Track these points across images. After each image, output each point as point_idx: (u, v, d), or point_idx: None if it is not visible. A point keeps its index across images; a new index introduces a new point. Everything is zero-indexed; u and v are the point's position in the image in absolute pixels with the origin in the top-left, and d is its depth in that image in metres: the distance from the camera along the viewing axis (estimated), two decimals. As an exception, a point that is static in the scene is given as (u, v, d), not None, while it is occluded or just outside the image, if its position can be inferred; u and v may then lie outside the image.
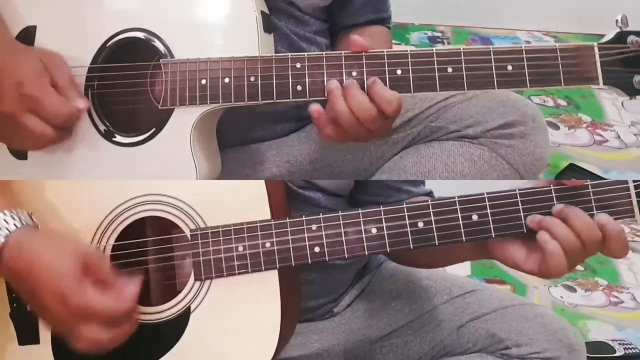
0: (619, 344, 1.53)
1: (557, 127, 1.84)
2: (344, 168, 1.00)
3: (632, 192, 0.76)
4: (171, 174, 0.84)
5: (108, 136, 0.86)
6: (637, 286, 1.70)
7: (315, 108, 0.80)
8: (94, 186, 0.84)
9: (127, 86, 0.86)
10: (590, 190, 0.76)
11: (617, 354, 1.49)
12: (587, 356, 0.97)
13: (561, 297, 1.68)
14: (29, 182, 0.84)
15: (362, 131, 0.79)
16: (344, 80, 0.80)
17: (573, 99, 1.86)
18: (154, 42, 0.85)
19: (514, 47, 0.78)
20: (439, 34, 1.99)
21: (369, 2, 1.04)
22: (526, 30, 2.05)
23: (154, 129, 0.85)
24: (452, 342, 0.99)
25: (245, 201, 0.81)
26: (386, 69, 0.79)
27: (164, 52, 0.84)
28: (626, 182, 0.76)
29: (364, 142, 0.87)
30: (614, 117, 1.84)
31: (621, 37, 0.77)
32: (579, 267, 1.75)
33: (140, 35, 0.85)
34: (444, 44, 2.14)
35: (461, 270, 1.69)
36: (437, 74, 0.79)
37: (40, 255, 0.74)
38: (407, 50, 0.79)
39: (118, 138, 0.86)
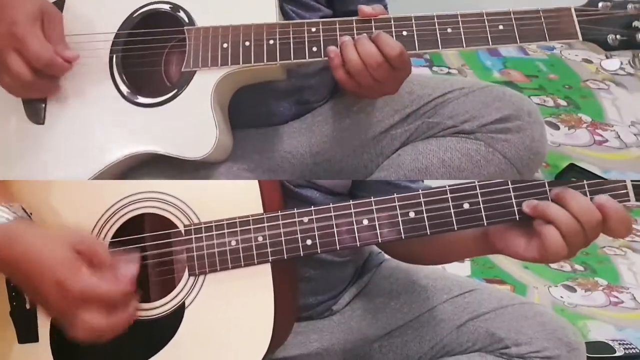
0: (619, 344, 1.52)
1: (557, 127, 1.84)
2: (343, 164, 1.00)
3: (630, 191, 0.76)
4: (192, 133, 0.87)
5: (130, 98, 0.89)
6: (637, 286, 1.70)
7: (332, 48, 0.85)
8: (91, 185, 0.84)
9: (151, 51, 0.90)
10: (587, 188, 0.76)
11: (617, 354, 1.49)
12: (587, 356, 0.97)
13: (561, 297, 1.67)
14: (26, 181, 0.85)
15: (369, 80, 0.84)
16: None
17: (573, 99, 1.86)
18: (179, 13, 0.89)
19: (503, 10, 0.86)
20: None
21: None
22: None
23: (176, 90, 0.88)
24: (452, 341, 0.99)
25: (238, 198, 0.81)
26: (393, 30, 0.86)
27: (187, 23, 0.89)
28: (624, 181, 0.76)
29: (373, 97, 0.93)
30: (614, 117, 1.84)
31: (592, 2, 0.86)
32: (579, 267, 1.75)
33: (166, 7, 0.90)
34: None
35: (461, 270, 1.69)
36: (438, 33, 0.85)
37: (34, 246, 0.74)
38: (411, 15, 0.86)
39: (140, 99, 0.89)
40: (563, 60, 2.11)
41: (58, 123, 0.89)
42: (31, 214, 0.81)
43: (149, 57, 0.91)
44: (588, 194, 0.76)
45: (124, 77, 0.90)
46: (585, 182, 0.76)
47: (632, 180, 0.76)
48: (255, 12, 0.87)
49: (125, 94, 0.89)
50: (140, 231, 0.84)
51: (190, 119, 0.87)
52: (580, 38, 0.85)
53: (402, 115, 0.98)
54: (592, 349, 1.42)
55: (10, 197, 0.81)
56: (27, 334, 0.84)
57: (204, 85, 0.87)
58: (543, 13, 0.86)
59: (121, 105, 0.89)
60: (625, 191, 0.76)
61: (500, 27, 0.85)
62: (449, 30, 0.85)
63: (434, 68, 2.08)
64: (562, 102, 1.86)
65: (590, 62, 2.11)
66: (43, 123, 0.90)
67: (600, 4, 0.86)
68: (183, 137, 0.87)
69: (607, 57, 0.86)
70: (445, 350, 1.00)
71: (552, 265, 1.74)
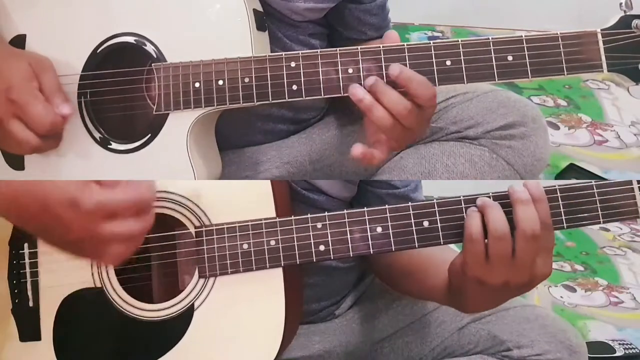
0: (619, 344, 1.53)
1: (557, 127, 1.84)
2: (344, 168, 1.00)
3: (637, 191, 0.76)
4: (169, 178, 0.83)
5: (104, 143, 0.86)
6: (637, 286, 1.70)
7: (358, 149, 0.78)
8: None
9: (120, 92, 0.85)
10: (595, 190, 0.76)
11: (617, 354, 1.49)
12: (587, 356, 0.97)
13: (561, 297, 1.68)
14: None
15: (400, 131, 0.77)
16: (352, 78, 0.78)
17: (573, 99, 1.86)
18: (145, 46, 0.84)
19: (514, 36, 0.76)
20: (439, 34, 1.98)
21: (372, 23, 1.03)
22: (526, 30, 2.05)
23: (150, 135, 0.84)
24: (453, 343, 0.99)
25: (250, 200, 0.81)
26: (383, 64, 0.78)
27: (155, 56, 0.84)
28: (630, 182, 0.76)
29: (405, 146, 0.87)
30: (614, 117, 1.84)
31: (625, 21, 0.74)
32: (579, 267, 1.75)
33: (131, 39, 0.85)
34: (443, 43, 2.13)
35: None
36: (435, 67, 0.77)
37: (40, 182, 0.70)
38: (403, 45, 0.78)
39: (114, 145, 0.86)
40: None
41: (37, 169, 0.87)
42: None
43: (118, 99, 0.86)
44: (596, 195, 0.76)
45: (96, 121, 0.86)
46: (593, 182, 0.76)
47: (638, 181, 0.76)
48: (228, 43, 0.82)
49: (97, 139, 0.86)
50: (150, 231, 0.83)
51: (167, 165, 0.84)
52: (605, 70, 0.74)
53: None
54: (592, 349, 1.41)
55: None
56: (29, 332, 0.83)
57: (178, 129, 0.83)
58: (562, 40, 0.75)
59: (96, 151, 0.85)
60: (632, 193, 0.76)
61: (510, 58, 0.75)
62: (448, 62, 0.76)
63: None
64: (562, 102, 1.85)
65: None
66: (23, 169, 0.87)
67: (635, 22, 0.73)
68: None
69: (636, 84, 0.74)
70: (446, 352, 1.00)
71: (553, 265, 1.74)
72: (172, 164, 0.84)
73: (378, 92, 0.76)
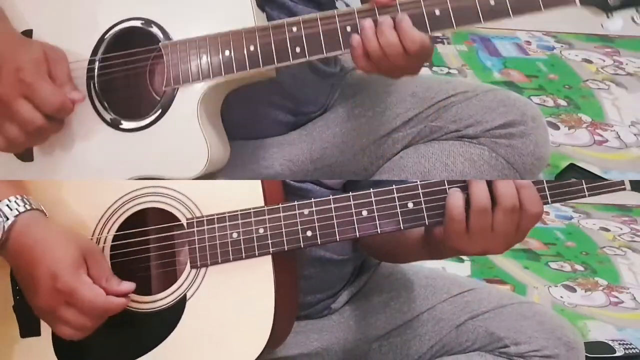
0: (619, 344, 1.52)
1: (557, 127, 1.84)
2: (344, 167, 1.00)
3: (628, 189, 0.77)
4: (182, 152, 0.85)
5: (115, 124, 0.87)
6: (637, 286, 1.70)
7: (355, 38, 0.81)
8: (97, 182, 0.85)
9: (129, 72, 0.87)
10: (584, 184, 0.78)
11: (617, 354, 1.49)
12: (587, 356, 0.97)
13: (561, 297, 1.68)
14: (30, 181, 0.85)
15: (390, 66, 0.81)
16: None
17: (573, 99, 1.87)
18: (152, 28, 0.86)
19: None
20: (439, 34, 1.99)
21: None
22: (526, 30, 2.06)
23: (160, 111, 0.86)
24: (451, 340, 0.99)
25: (241, 195, 0.82)
26: (378, 19, 0.81)
27: (162, 38, 0.85)
28: (622, 181, 0.78)
29: (394, 78, 0.90)
30: (614, 117, 1.85)
31: None
32: (579, 267, 1.75)
33: (137, 23, 0.86)
34: (444, 44, 2.14)
35: (461, 270, 1.69)
36: (425, 17, 0.81)
37: (46, 238, 0.77)
38: (395, 1, 0.81)
39: (124, 124, 0.86)
40: (563, 60, 2.11)
41: (48, 158, 0.88)
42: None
43: (128, 80, 0.88)
44: (586, 190, 0.78)
45: (106, 103, 0.87)
46: (583, 181, 0.77)
47: (630, 180, 0.77)
48: (232, 17, 0.84)
49: (109, 120, 0.86)
50: (144, 225, 0.85)
51: (179, 139, 0.85)
52: (578, 3, 0.80)
53: (405, 119, 0.98)
54: (592, 349, 1.42)
55: (26, 193, 0.81)
56: (29, 328, 0.84)
57: (189, 102, 0.84)
58: None
59: (106, 132, 0.86)
60: (623, 187, 0.77)
61: (492, 2, 0.80)
62: (437, 12, 0.81)
63: (434, 68, 2.08)
64: (562, 102, 1.86)
65: (590, 62, 2.11)
66: (32, 160, 0.88)
67: None
68: (174, 159, 0.85)
69: (607, 17, 0.81)
70: (444, 350, 1.00)
71: (552, 265, 1.74)
72: (184, 137, 0.85)
73: (379, 30, 0.80)
